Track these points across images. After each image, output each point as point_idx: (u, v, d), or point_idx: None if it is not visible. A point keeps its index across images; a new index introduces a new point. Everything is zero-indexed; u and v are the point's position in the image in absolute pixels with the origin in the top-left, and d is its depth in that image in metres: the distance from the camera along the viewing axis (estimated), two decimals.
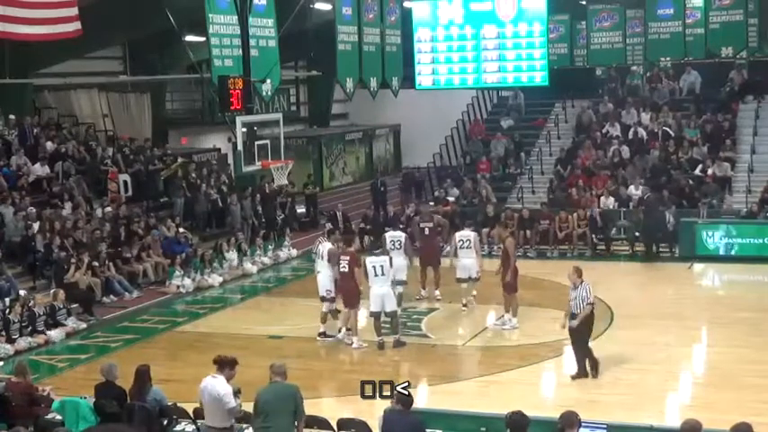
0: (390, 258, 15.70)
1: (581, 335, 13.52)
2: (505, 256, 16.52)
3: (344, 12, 23.85)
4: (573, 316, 13.48)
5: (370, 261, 15.47)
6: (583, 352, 13.62)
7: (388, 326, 15.78)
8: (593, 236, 23.08)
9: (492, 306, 17.60)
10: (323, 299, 16.18)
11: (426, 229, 18.84)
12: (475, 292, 18.07)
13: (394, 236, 17.69)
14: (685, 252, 22.19)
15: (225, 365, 9.68)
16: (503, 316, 16.74)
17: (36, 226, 20.01)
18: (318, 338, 16.12)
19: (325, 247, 16.38)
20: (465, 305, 17.86)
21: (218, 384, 9.60)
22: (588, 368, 13.58)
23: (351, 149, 37.90)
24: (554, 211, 23.85)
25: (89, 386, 11.41)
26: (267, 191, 26.02)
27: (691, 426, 7.76)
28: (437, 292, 18.58)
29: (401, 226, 21.09)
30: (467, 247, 17.74)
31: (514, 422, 8.23)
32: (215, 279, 21.15)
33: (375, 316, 15.52)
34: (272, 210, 26.01)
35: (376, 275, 15.31)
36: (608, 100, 29.66)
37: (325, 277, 16.15)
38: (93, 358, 15.72)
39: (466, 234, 17.87)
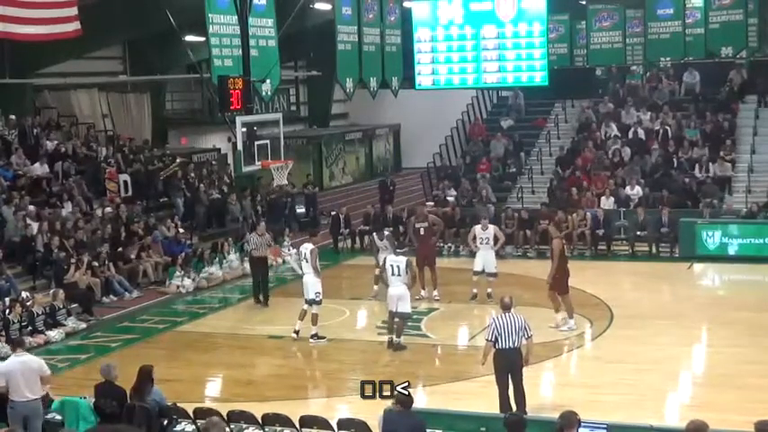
0: (408, 260, 15.62)
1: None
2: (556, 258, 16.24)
3: (344, 12, 23.85)
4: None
5: (390, 260, 15.59)
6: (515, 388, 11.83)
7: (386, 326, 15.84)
8: (598, 232, 23.01)
9: (491, 306, 17.58)
10: (313, 301, 16.15)
11: (422, 229, 18.89)
12: (490, 290, 18.12)
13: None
14: (685, 252, 22.19)
15: (22, 342, 11.49)
16: (564, 319, 16.26)
17: (35, 225, 19.99)
18: (311, 340, 16.11)
19: (307, 248, 16.39)
20: (474, 296, 18.26)
21: (30, 360, 10.80)
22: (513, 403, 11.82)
23: (351, 149, 37.92)
24: (553, 210, 23.84)
25: (89, 386, 11.40)
26: (276, 190, 25.96)
27: (696, 426, 7.73)
28: (435, 293, 18.60)
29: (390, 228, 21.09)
30: (485, 243, 18.18)
31: (513, 423, 8.24)
32: (214, 278, 21.18)
33: (391, 315, 15.51)
34: (279, 209, 25.96)
35: (393, 274, 15.35)
36: (608, 100, 29.66)
37: (313, 279, 16.19)
38: (92, 358, 15.71)
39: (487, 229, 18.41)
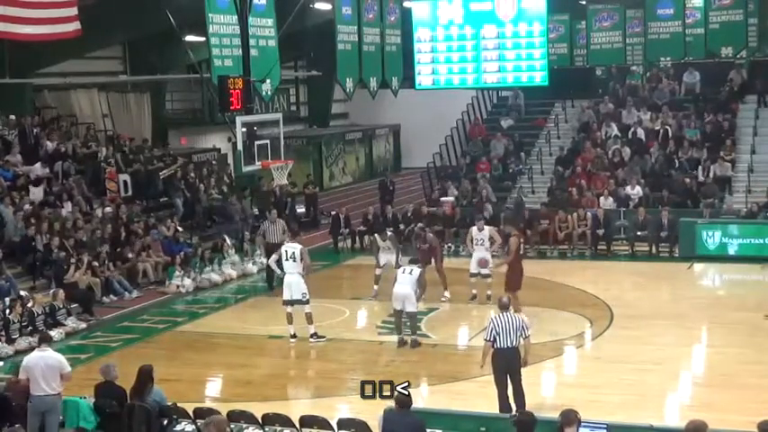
0: (421, 272, 15.70)
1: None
2: (511, 255, 16.54)
3: (344, 11, 23.84)
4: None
5: (405, 265, 15.79)
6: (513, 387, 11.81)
7: (391, 325, 15.84)
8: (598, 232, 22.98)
9: (490, 307, 17.57)
10: (299, 301, 16.11)
11: (422, 247, 18.95)
12: (490, 291, 18.04)
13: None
14: (685, 252, 22.19)
15: (48, 338, 11.89)
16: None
17: (33, 222, 19.96)
18: (311, 339, 16.12)
19: (295, 247, 16.37)
20: (474, 297, 18.24)
21: (50, 356, 10.94)
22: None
23: (351, 149, 37.94)
24: (553, 210, 23.87)
25: (89, 386, 11.42)
26: (278, 191, 25.93)
27: (695, 426, 7.71)
28: (446, 293, 18.62)
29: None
30: (480, 243, 18.17)
31: (521, 422, 8.21)
32: (215, 278, 21.19)
33: (397, 313, 15.58)
34: (281, 209, 25.98)
35: (403, 273, 15.42)
36: (608, 100, 29.67)
37: (298, 279, 16.17)
38: (92, 358, 15.69)
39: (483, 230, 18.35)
